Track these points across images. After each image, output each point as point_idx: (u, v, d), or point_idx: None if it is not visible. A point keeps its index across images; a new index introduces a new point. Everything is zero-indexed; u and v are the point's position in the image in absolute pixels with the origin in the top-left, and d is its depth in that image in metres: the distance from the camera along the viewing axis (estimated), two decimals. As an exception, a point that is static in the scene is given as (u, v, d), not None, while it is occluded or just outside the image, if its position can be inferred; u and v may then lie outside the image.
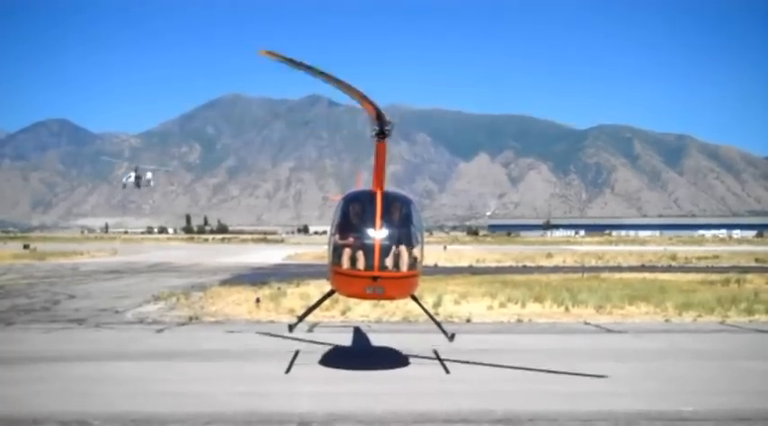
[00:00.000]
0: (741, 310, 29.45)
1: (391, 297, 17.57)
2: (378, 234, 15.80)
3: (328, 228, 17.94)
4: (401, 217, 16.75)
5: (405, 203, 17.30)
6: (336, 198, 18.96)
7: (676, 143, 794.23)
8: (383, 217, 16.03)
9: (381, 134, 16.60)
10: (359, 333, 23.73)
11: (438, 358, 18.58)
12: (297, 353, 18.99)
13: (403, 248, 15.99)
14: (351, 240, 16.16)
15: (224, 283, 44.13)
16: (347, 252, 15.95)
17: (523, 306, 31.14)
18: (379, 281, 15.63)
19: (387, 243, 15.84)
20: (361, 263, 15.74)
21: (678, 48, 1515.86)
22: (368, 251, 15.71)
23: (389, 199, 16.67)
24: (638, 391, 15.34)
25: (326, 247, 17.32)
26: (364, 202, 16.69)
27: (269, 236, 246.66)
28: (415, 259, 16.37)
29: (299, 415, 13.07)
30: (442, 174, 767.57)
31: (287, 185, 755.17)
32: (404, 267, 15.93)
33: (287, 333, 19.08)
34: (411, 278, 16.44)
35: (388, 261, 15.76)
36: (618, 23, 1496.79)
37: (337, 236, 16.56)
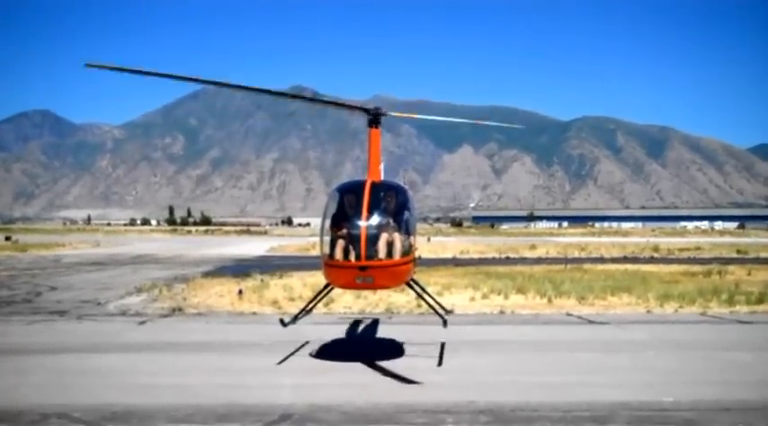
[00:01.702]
0: (722, 301, 29.57)
1: (382, 286, 17.30)
2: (364, 223, 15.63)
3: (318, 220, 17.87)
4: (391, 206, 16.55)
5: (396, 192, 17.18)
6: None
7: (659, 135, 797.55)
8: (370, 206, 15.88)
9: (374, 122, 16.98)
10: (344, 326, 23.70)
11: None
12: (302, 346, 18.93)
13: (393, 236, 15.82)
14: (339, 230, 16.05)
15: (207, 275, 44.04)
16: (337, 243, 15.84)
17: (506, 297, 31.19)
18: (368, 271, 15.42)
19: (374, 232, 15.64)
20: (349, 254, 15.62)
21: (661, 40, 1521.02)
22: (354, 240, 15.58)
23: (378, 188, 16.56)
24: (619, 382, 15.40)
25: (311, 239, 17.23)
26: (353, 193, 16.51)
27: (252, 228, 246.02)
28: (410, 247, 16.31)
29: (280, 407, 13.06)
30: (426, 166, 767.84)
31: (270, 177, 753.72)
32: (394, 255, 15.78)
33: (276, 325, 18.83)
34: (402, 266, 16.19)
35: (376, 250, 15.56)
36: (601, 15, 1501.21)
37: (327, 227, 16.47)
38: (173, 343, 19.97)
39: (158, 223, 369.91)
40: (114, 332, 22.27)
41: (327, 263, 16.23)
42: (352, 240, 15.63)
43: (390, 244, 15.75)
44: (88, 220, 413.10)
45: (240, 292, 31.35)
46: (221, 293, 32.51)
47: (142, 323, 24.26)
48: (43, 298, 31.88)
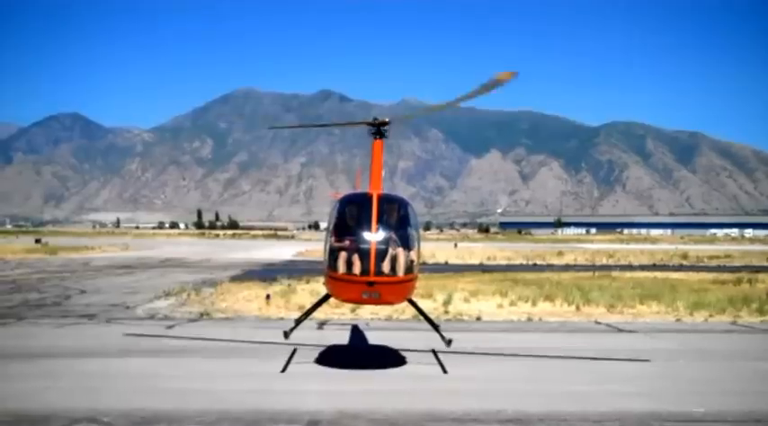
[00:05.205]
0: (753, 310, 29.32)
1: (388, 302, 17.33)
2: (374, 237, 15.53)
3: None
4: (397, 221, 16.48)
5: (401, 205, 17.02)
6: (338, 195, 18.79)
7: (689, 141, 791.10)
8: (379, 220, 15.79)
9: (378, 133, 16.88)
10: (357, 332, 23.66)
11: (437, 358, 18.38)
12: (294, 351, 18.87)
13: (399, 252, 15.70)
14: (346, 244, 15.89)
15: (234, 279, 44.18)
16: (343, 256, 15.70)
17: (534, 304, 31.05)
18: (375, 286, 15.36)
19: (382, 247, 15.56)
20: (356, 268, 15.45)
21: (691, 45, 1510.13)
22: (363, 255, 15.43)
23: (385, 202, 16.42)
24: (649, 391, 15.25)
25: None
26: (360, 205, 16.40)
27: (279, 232, 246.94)
28: (412, 262, 16.14)
29: (307, 413, 13.03)
30: (453, 171, 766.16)
31: (298, 181, 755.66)
32: (400, 271, 15.64)
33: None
34: (408, 282, 16.15)
35: (385, 266, 15.47)
36: (630, 20, 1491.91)
37: (333, 240, 16.31)
38: (201, 348, 20.02)
39: (186, 226, 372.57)
40: (143, 336, 22.37)
41: (332, 276, 16.13)
42: (361, 254, 15.48)
43: (399, 260, 15.63)
44: (117, 223, 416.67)
45: (268, 297, 31.38)
46: (249, 298, 32.59)
47: (170, 327, 24.36)
48: (72, 302, 32.14)
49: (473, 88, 15.46)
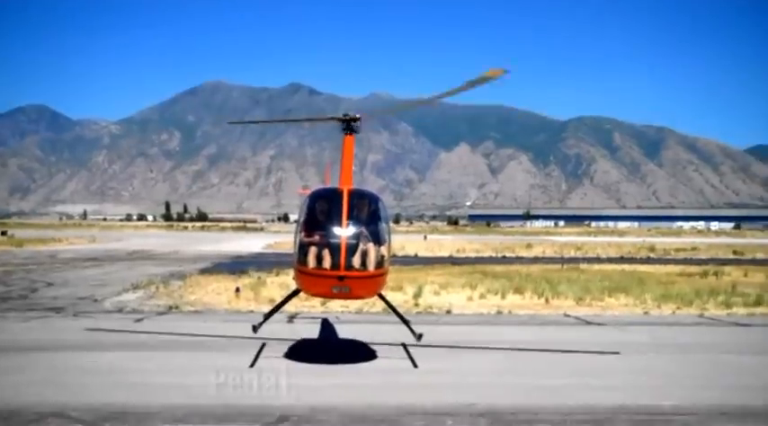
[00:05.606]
0: (719, 303, 29.58)
1: (358, 297, 17.35)
2: (344, 232, 15.53)
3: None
4: (368, 216, 16.48)
5: (371, 201, 16.99)
6: (307, 191, 18.73)
7: (656, 135, 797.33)
8: (349, 215, 15.79)
9: (348, 129, 16.87)
10: (328, 325, 23.51)
11: (407, 351, 18.33)
12: (263, 345, 18.66)
13: (370, 247, 15.70)
14: (316, 239, 15.85)
15: (203, 272, 43.94)
16: (312, 250, 15.64)
17: (503, 297, 31.17)
18: (345, 281, 15.37)
19: (353, 242, 15.56)
20: (326, 262, 15.42)
21: (659, 41, 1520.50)
22: (334, 250, 15.42)
23: (356, 197, 16.44)
24: (618, 384, 15.34)
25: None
26: (330, 200, 16.39)
27: (249, 225, 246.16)
28: (383, 257, 16.12)
29: (278, 408, 12.96)
30: (422, 164, 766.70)
31: (267, 173, 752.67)
32: (371, 266, 15.65)
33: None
34: (378, 277, 16.15)
35: (355, 261, 15.47)
36: (599, 15, 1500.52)
37: (303, 235, 16.24)
38: (170, 341, 19.86)
39: (154, 219, 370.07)
40: (111, 329, 22.15)
41: (301, 271, 16.08)
42: (331, 249, 15.46)
43: (369, 255, 15.64)
44: (84, 215, 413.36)
45: (237, 290, 31.26)
46: (218, 290, 32.43)
47: (139, 320, 24.15)
48: (39, 295, 31.79)
49: (462, 83, 15.54)
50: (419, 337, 17.68)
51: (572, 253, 71.48)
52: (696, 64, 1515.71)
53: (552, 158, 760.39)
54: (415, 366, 16.85)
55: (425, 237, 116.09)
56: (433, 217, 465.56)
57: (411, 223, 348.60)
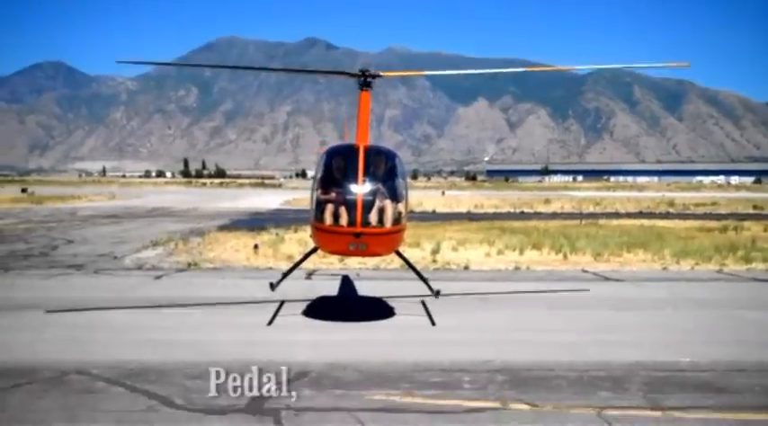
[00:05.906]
0: (738, 258, 29.41)
1: (375, 254, 17.41)
2: (360, 189, 15.45)
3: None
4: (384, 172, 16.34)
5: (388, 157, 16.84)
6: (323, 149, 18.69)
7: (676, 88, 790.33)
8: (366, 172, 15.67)
9: (365, 84, 16.69)
10: (347, 282, 23.60)
11: (425, 308, 18.37)
12: (282, 303, 18.69)
13: (387, 203, 15.64)
14: (333, 196, 15.79)
15: (222, 228, 44.09)
16: (329, 208, 15.62)
17: (521, 253, 31.09)
18: (362, 238, 15.33)
19: (369, 198, 15.49)
20: (343, 219, 15.40)
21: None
22: (350, 207, 15.36)
23: (372, 154, 16.31)
24: (635, 341, 15.34)
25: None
26: (347, 157, 16.26)
27: (267, 181, 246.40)
28: (400, 214, 16.07)
29: (296, 364, 13.03)
30: (440, 119, 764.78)
31: (284, 129, 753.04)
32: (387, 223, 15.61)
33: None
34: (395, 233, 16.11)
35: (372, 217, 15.43)
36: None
37: (319, 192, 16.16)
38: (189, 298, 19.96)
39: (173, 175, 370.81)
40: (130, 287, 22.34)
41: (318, 228, 16.08)
42: (348, 206, 15.42)
43: (386, 212, 15.60)
44: (103, 172, 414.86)
45: (256, 247, 31.33)
46: (237, 247, 32.52)
47: (158, 277, 24.32)
48: (59, 252, 32.01)
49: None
50: (437, 294, 17.76)
51: (590, 209, 71.04)
52: (718, 14, 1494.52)
53: (571, 112, 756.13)
54: (433, 323, 16.88)
55: (443, 193, 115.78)
56: (451, 173, 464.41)
57: (429, 179, 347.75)
